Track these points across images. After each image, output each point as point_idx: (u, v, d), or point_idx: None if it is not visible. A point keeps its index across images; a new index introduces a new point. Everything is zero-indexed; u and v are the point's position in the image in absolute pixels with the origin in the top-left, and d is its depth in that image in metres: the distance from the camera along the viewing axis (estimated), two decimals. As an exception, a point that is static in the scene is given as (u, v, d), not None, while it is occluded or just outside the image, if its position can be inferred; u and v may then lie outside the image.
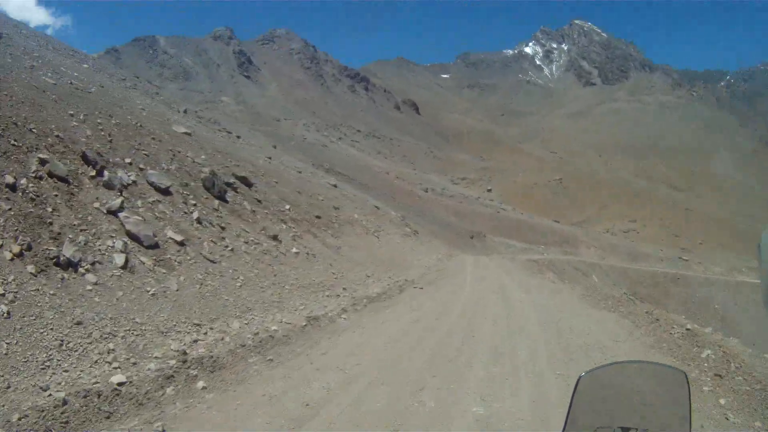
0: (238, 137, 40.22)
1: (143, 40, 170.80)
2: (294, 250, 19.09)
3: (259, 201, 21.54)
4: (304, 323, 12.38)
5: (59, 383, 7.26)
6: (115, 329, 8.97)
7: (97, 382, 7.48)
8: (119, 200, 12.39)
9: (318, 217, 25.53)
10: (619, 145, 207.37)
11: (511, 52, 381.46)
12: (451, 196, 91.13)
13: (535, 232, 79.63)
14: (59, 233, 10.05)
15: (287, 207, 23.53)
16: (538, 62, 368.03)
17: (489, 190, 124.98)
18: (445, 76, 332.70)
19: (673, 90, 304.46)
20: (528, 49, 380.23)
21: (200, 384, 8.16)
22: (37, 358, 7.53)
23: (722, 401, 8.99)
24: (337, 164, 76.63)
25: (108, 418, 6.89)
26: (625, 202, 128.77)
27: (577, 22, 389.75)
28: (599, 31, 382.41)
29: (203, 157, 22.12)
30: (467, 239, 58.57)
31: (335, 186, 38.82)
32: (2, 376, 6.91)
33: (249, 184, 22.21)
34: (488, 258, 41.32)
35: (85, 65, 30.72)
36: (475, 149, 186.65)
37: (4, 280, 8.29)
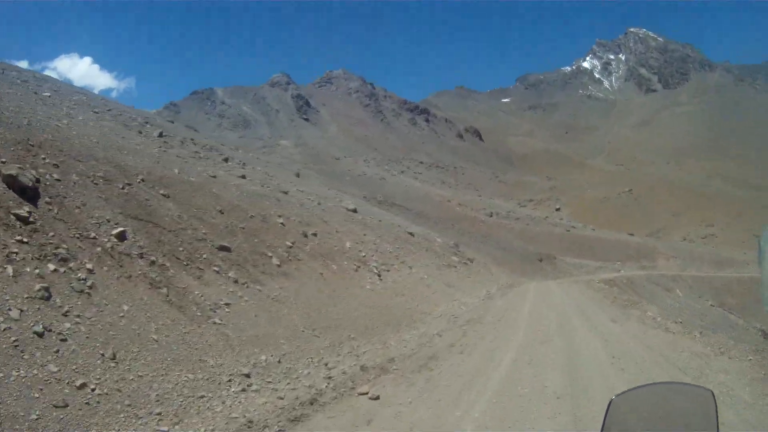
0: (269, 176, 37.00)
1: (201, 92, 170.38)
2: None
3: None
4: None
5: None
6: None
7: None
8: None
9: (225, 249, 16.80)
10: (687, 149, 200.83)
11: (569, 68, 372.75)
12: (517, 219, 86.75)
13: (610, 249, 74.92)
14: None
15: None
16: (597, 75, 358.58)
17: (558, 209, 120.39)
18: (505, 100, 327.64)
19: (736, 86, 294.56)
20: (586, 64, 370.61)
21: None
22: None
23: None
24: (393, 196, 73.32)
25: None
26: (700, 207, 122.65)
27: (632, 30, 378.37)
28: (655, 36, 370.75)
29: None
30: (535, 263, 54.21)
31: (354, 211, 33.66)
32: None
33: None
34: (556, 284, 36.48)
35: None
36: (541, 170, 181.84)
37: None
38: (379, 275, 23.58)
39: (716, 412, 2.86)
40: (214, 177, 24.53)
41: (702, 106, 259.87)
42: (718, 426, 2.80)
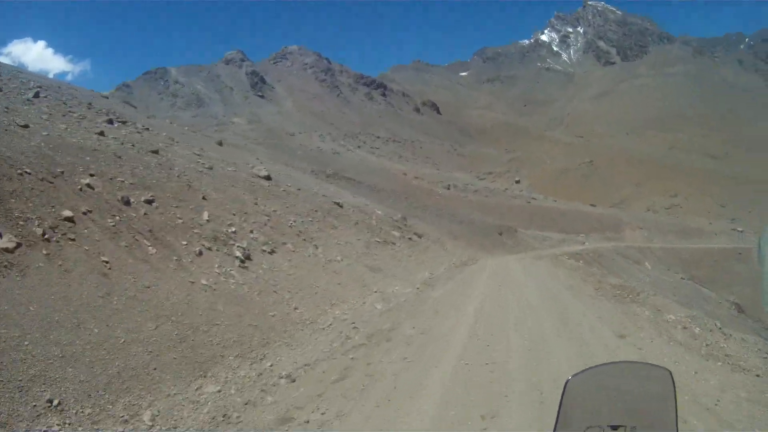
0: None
1: (154, 72, 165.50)
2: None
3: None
4: None
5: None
6: None
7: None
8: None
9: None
10: (647, 121, 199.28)
11: (527, 41, 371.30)
12: (475, 191, 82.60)
13: (572, 220, 71.23)
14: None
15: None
16: (555, 48, 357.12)
17: (517, 182, 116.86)
18: (463, 73, 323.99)
19: (695, 58, 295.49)
20: (544, 37, 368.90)
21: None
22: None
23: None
24: (345, 170, 68.78)
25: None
26: (662, 178, 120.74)
27: (590, 2, 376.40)
28: (614, 9, 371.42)
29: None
30: (495, 237, 49.79)
31: (267, 178, 26.63)
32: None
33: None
34: (517, 260, 31.83)
35: None
36: (500, 143, 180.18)
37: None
38: (244, 260, 15.44)
39: (674, 391, 2.83)
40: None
41: (661, 79, 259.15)
42: (676, 406, 2.81)
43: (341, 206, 28.44)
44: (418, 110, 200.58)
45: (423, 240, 31.77)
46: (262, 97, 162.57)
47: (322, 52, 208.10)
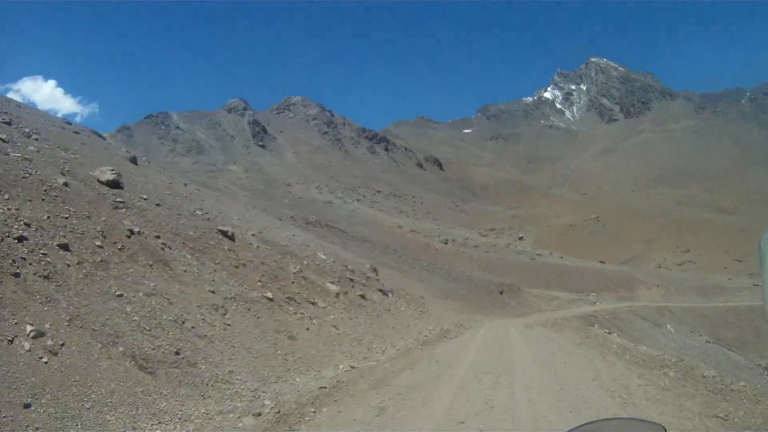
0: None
1: (156, 116, 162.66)
2: None
3: None
4: None
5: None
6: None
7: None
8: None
9: None
10: (652, 177, 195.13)
11: (530, 99, 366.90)
12: (476, 246, 75.83)
13: (582, 278, 64.68)
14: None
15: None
16: (558, 106, 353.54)
17: (521, 238, 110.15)
18: (467, 130, 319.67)
19: (697, 114, 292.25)
20: (547, 94, 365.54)
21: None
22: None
23: None
24: (335, 220, 63.04)
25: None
26: (672, 233, 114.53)
27: (593, 59, 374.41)
28: (616, 65, 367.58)
29: None
30: (495, 296, 42.94)
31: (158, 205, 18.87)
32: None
33: None
34: (519, 329, 24.91)
35: None
36: (503, 200, 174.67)
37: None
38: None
39: None
40: None
41: (665, 135, 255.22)
42: None
43: (232, 238, 19.76)
44: (420, 166, 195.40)
45: (389, 299, 25.11)
46: (263, 147, 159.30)
47: (325, 104, 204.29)
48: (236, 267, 17.34)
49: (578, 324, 26.89)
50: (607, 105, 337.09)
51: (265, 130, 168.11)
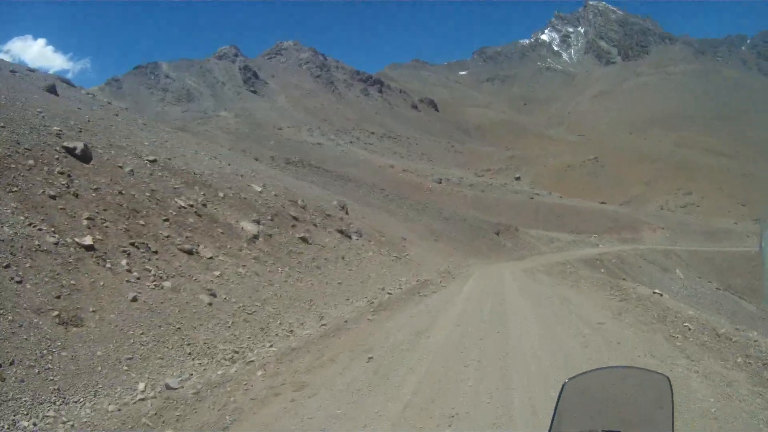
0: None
1: (145, 67, 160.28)
2: None
3: None
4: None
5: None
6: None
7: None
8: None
9: None
10: (651, 120, 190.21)
11: (527, 41, 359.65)
12: (470, 185, 71.97)
13: (583, 219, 60.94)
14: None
15: None
16: (555, 48, 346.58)
17: (517, 178, 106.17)
18: (462, 73, 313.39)
19: (697, 58, 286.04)
20: (544, 37, 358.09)
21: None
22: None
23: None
24: (321, 160, 58.56)
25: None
26: (673, 176, 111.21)
27: (591, 2, 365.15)
28: (615, 9, 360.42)
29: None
30: (491, 237, 38.91)
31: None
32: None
33: None
34: (516, 276, 20.40)
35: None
36: (499, 141, 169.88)
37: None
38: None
39: (672, 398, 2.66)
40: None
41: (664, 78, 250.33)
42: (673, 412, 2.62)
43: (84, 158, 12.84)
44: (415, 107, 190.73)
45: (351, 242, 20.67)
46: (254, 92, 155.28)
47: (318, 49, 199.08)
48: (54, 197, 10.82)
49: (596, 275, 21.94)
50: (605, 48, 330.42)
51: (256, 76, 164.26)
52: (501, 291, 15.90)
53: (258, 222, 16.48)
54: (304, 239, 17.68)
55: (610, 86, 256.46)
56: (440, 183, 68.67)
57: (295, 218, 19.05)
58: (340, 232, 20.72)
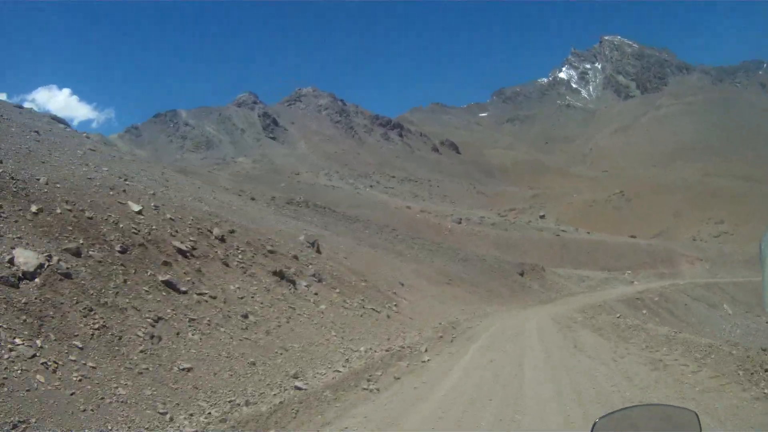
0: None
1: (164, 115, 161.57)
2: None
3: None
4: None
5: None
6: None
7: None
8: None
9: None
10: (673, 152, 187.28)
11: (545, 80, 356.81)
12: (492, 224, 67.38)
13: (614, 254, 56.53)
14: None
15: None
16: (574, 85, 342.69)
17: (542, 216, 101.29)
18: (482, 114, 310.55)
19: (715, 86, 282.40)
20: (562, 74, 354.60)
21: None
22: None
23: None
24: (330, 202, 54.27)
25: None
26: (702, 205, 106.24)
27: (606, 38, 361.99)
28: (630, 42, 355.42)
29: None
30: (514, 279, 34.36)
31: None
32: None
33: None
34: (541, 324, 15.97)
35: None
36: (522, 181, 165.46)
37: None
38: None
39: None
40: None
41: (684, 108, 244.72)
42: None
43: None
44: (436, 150, 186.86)
45: (302, 291, 14.99)
46: (274, 138, 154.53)
47: (337, 95, 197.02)
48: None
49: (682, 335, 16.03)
50: (623, 82, 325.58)
51: (276, 122, 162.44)
52: (518, 371, 10.59)
53: (76, 252, 9.77)
54: (169, 284, 10.99)
55: (630, 120, 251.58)
56: (460, 223, 64.28)
57: (183, 252, 12.71)
58: (277, 274, 14.89)
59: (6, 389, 6.07)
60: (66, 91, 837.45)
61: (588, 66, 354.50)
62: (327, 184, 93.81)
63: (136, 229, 12.02)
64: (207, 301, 11.36)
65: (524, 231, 65.87)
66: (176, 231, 13.56)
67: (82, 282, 9.00)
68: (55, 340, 7.48)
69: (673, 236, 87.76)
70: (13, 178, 10.72)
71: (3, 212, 9.53)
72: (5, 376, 6.27)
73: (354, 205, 62.89)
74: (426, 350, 12.55)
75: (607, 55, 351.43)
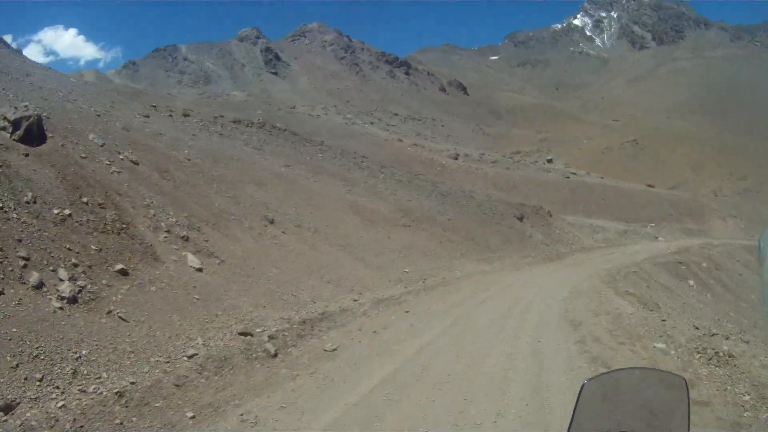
0: None
1: (164, 50, 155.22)
2: None
3: None
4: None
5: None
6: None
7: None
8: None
9: None
10: (688, 105, 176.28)
11: (559, 26, 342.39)
12: (493, 162, 58.77)
13: (633, 203, 48.10)
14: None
15: None
16: (588, 33, 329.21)
17: (549, 160, 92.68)
18: (494, 57, 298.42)
19: (734, 43, 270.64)
20: (577, 21, 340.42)
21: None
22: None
23: None
24: (309, 131, 46.85)
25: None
26: (722, 160, 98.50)
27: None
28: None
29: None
30: (510, 224, 25.52)
31: None
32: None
33: None
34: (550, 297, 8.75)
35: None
36: (530, 124, 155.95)
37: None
38: None
39: (688, 399, 2.70)
40: None
41: (702, 62, 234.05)
42: (689, 413, 2.67)
43: None
44: (443, 90, 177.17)
45: None
46: (275, 74, 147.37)
47: (344, 31, 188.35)
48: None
49: None
50: (639, 32, 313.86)
51: (278, 58, 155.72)
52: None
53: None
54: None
55: (645, 71, 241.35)
56: (456, 159, 55.68)
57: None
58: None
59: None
60: (72, 31, 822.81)
61: (603, 14, 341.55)
62: (312, 114, 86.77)
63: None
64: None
65: (528, 170, 57.33)
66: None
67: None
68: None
69: (692, 189, 79.94)
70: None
71: None
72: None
73: (337, 135, 54.88)
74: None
75: (623, 4, 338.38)
